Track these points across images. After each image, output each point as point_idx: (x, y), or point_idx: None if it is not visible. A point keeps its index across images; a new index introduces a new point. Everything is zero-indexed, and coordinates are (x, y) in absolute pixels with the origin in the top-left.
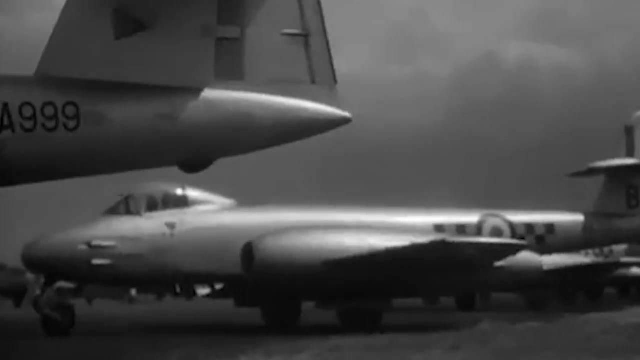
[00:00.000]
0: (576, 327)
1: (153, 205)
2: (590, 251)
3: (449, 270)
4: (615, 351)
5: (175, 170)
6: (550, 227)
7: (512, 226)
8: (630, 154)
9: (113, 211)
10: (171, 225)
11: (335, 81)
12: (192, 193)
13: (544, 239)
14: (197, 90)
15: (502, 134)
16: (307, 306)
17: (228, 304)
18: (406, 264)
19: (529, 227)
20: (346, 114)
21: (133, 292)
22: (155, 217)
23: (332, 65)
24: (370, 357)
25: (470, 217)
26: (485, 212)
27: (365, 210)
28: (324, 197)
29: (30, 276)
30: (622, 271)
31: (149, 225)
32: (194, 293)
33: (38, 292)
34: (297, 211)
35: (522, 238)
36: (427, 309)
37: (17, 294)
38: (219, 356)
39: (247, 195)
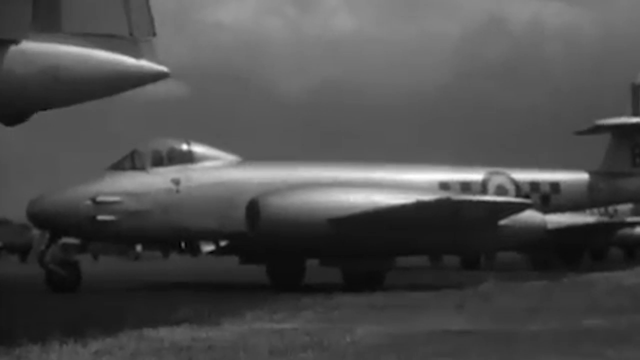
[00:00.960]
0: (580, 288)
1: (158, 161)
2: (595, 210)
3: (454, 229)
4: (620, 311)
5: (180, 126)
6: (555, 186)
7: (516, 184)
8: (636, 112)
9: (118, 166)
10: (176, 181)
11: (154, 34)
12: (198, 148)
13: (549, 197)
14: (13, 42)
15: (508, 92)
16: (312, 264)
17: (233, 260)
18: (411, 222)
19: (534, 185)
20: (163, 69)
21: (138, 248)
22: (161, 173)
23: (151, 18)
24: (373, 315)
25: (475, 175)
26: (490, 169)
27: (370, 168)
28: (329, 154)
29: (35, 232)
30: (627, 231)
31: (154, 181)
32: (199, 250)
33: (43, 248)
34: (302, 168)
35: (526, 196)
36: (432, 269)
37: (23, 249)
38: (224, 313)
39: (252, 151)
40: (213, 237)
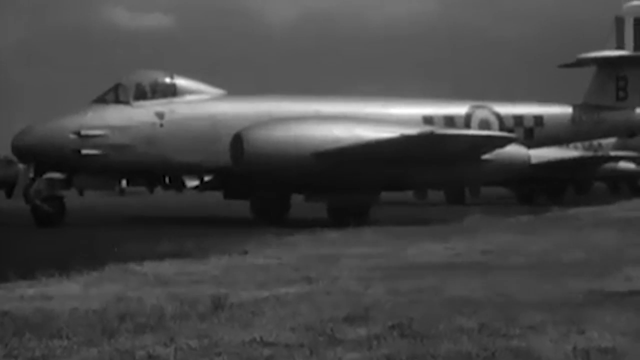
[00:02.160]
0: (565, 222)
1: (142, 94)
2: (579, 145)
3: (437, 163)
4: (605, 245)
5: (164, 59)
6: (539, 119)
7: (500, 118)
8: (620, 45)
9: (102, 99)
10: (160, 115)
11: None
12: (182, 82)
13: (532, 131)
14: None
15: (492, 24)
16: (296, 201)
17: (217, 196)
18: (395, 156)
19: (518, 119)
20: None
21: (123, 183)
22: (145, 106)
23: None
24: (359, 250)
25: (459, 109)
26: (474, 103)
27: (355, 101)
28: (314, 87)
29: (21, 166)
30: (611, 165)
31: (138, 114)
32: (184, 185)
33: (28, 182)
34: (287, 101)
35: (510, 130)
36: (417, 204)
37: (9, 184)
38: (209, 248)
39: (237, 85)
40: (197, 170)
